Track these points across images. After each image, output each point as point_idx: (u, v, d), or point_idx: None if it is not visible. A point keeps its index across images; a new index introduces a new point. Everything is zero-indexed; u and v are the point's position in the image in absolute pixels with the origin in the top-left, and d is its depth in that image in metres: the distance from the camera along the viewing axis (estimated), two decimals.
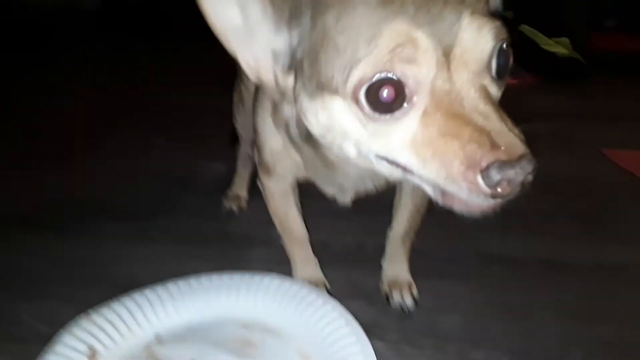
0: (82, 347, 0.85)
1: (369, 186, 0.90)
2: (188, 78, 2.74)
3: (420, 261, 1.16)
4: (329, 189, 0.95)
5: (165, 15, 4.18)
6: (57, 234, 1.28)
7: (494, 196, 0.52)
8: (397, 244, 1.10)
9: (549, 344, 0.97)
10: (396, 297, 1.06)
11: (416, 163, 0.56)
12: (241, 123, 1.33)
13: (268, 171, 0.94)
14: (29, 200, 1.44)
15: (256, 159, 0.98)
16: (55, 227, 1.30)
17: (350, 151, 0.61)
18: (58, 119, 2.08)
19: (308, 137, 0.72)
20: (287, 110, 0.75)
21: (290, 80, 0.63)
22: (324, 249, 1.24)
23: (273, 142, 0.87)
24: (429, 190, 0.59)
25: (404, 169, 0.58)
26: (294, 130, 0.77)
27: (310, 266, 1.11)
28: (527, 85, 2.89)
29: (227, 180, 1.50)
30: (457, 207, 0.57)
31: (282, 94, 0.65)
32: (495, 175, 0.50)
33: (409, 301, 1.06)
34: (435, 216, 1.35)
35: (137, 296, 0.96)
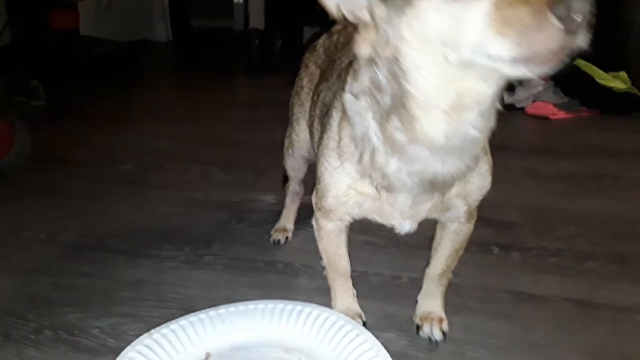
0: None
1: (437, 194, 0.92)
2: (246, 114, 2.94)
3: (453, 296, 1.22)
4: (392, 218, 0.97)
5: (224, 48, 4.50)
6: (127, 257, 1.45)
7: (568, 31, 0.58)
8: (434, 282, 1.16)
9: None
10: (426, 330, 1.13)
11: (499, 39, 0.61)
12: (290, 165, 1.47)
13: (327, 215, 1.01)
14: (103, 226, 1.64)
15: (315, 204, 1.04)
16: (125, 251, 1.48)
17: (452, 58, 0.66)
18: (130, 151, 2.31)
19: (400, 104, 0.75)
20: (381, 76, 0.76)
21: (382, 10, 0.71)
22: (361, 280, 1.34)
23: (339, 184, 0.93)
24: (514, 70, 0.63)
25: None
26: (384, 103, 0.78)
27: (349, 298, 1.19)
28: (583, 119, 2.87)
29: (278, 212, 1.63)
30: (541, 66, 0.62)
31: (377, 30, 0.72)
32: (563, 9, 0.57)
33: (437, 334, 1.12)
34: (472, 254, 1.43)
35: (192, 317, 1.09)
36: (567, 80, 2.97)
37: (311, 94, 1.25)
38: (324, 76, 1.18)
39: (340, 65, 1.08)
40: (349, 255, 1.13)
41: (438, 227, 1.10)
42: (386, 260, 1.44)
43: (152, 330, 1.04)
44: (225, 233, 1.61)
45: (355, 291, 1.21)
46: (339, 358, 1.01)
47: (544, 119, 2.85)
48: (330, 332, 1.06)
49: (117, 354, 0.97)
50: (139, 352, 0.99)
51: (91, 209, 1.75)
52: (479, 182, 0.94)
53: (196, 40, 5.15)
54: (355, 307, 1.19)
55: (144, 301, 1.25)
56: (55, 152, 2.26)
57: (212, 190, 1.90)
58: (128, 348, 1.00)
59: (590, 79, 2.98)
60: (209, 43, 5.07)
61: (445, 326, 1.14)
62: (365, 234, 1.51)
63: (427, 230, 1.13)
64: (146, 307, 1.23)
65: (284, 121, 1.43)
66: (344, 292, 1.19)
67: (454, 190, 0.90)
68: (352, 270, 1.27)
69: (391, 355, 1.05)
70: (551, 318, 1.21)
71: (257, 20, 4.44)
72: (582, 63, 3.01)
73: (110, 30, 4.01)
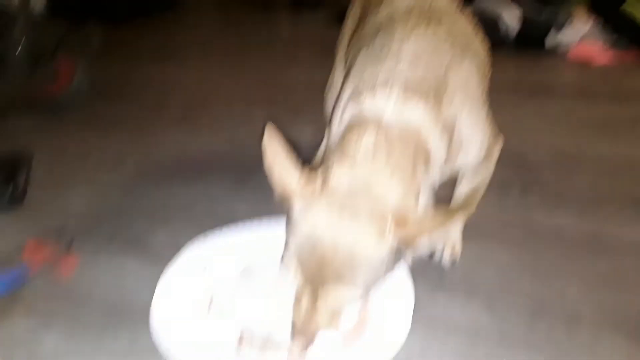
0: (198, 264, 1.18)
1: None
2: (289, 52, 3.02)
3: (469, 226, 1.36)
4: None
5: None
6: (182, 180, 1.64)
7: None
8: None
9: (567, 303, 1.14)
10: (438, 254, 1.28)
11: None
12: (328, 106, 1.58)
13: None
14: (159, 154, 1.83)
15: None
16: (179, 175, 1.67)
17: None
18: (178, 87, 2.47)
19: None
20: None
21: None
22: None
23: None
24: None
25: None
26: None
27: None
28: (627, 65, 2.82)
29: (316, 146, 1.77)
30: None
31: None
32: None
33: (448, 257, 1.27)
34: (491, 190, 1.55)
35: (236, 230, 1.28)
36: (614, 20, 2.91)
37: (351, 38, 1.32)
38: (360, 23, 1.26)
39: (372, 20, 1.17)
40: None
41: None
42: None
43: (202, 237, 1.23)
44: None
45: None
46: None
47: (587, 62, 2.82)
48: None
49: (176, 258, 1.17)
50: (190, 258, 1.19)
51: (147, 139, 1.95)
52: (463, 159, 1.06)
53: None
54: None
55: (196, 217, 1.45)
56: (113, 88, 2.45)
57: (253, 126, 2.05)
58: (181, 254, 1.19)
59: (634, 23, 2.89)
60: None
61: (458, 248, 1.29)
62: None
63: None
64: (198, 221, 1.42)
65: (327, 59, 1.52)
66: None
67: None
68: None
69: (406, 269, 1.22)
70: (560, 249, 1.33)
71: None
72: (630, 2, 2.91)
73: None
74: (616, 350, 1.02)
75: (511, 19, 2.92)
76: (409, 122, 0.91)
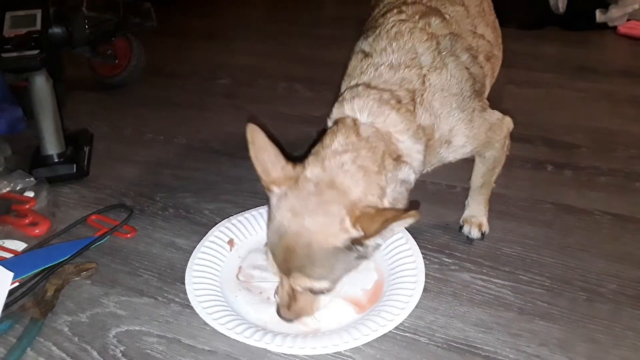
0: (224, 237, 1.30)
1: None
2: (331, 32, 3.07)
3: (499, 205, 1.42)
4: None
5: None
6: (228, 158, 1.77)
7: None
8: (475, 192, 1.35)
9: (590, 277, 1.20)
10: (466, 229, 1.34)
11: None
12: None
13: None
14: (207, 132, 1.96)
15: None
16: (226, 153, 1.79)
17: None
18: (225, 66, 2.59)
19: None
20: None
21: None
22: (420, 187, 1.54)
23: None
24: None
25: None
26: None
27: None
28: None
29: None
30: None
31: None
32: None
33: (475, 234, 1.33)
34: (525, 170, 1.59)
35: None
36: None
37: None
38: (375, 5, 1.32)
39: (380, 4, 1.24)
40: None
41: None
42: (444, 172, 1.62)
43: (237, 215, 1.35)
44: (306, 142, 1.86)
45: None
46: None
47: (637, 39, 2.74)
48: None
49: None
50: (222, 232, 1.31)
51: (197, 118, 2.08)
52: (452, 156, 1.15)
53: None
54: None
55: (242, 192, 1.56)
56: (164, 67, 2.60)
57: (296, 105, 2.15)
58: (213, 228, 1.31)
59: None
60: None
61: (484, 228, 1.35)
62: None
63: None
64: (244, 196, 1.54)
65: None
66: None
67: (434, 166, 1.16)
68: None
69: (435, 246, 1.31)
70: (588, 227, 1.37)
71: None
72: None
73: None
74: (635, 324, 1.07)
75: None
76: (381, 126, 1.00)
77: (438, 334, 1.07)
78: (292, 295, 1.02)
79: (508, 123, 1.21)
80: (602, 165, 1.64)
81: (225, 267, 1.25)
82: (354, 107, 1.02)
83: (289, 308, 1.04)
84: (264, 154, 0.97)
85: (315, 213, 0.92)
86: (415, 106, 1.03)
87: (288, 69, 2.54)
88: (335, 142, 0.98)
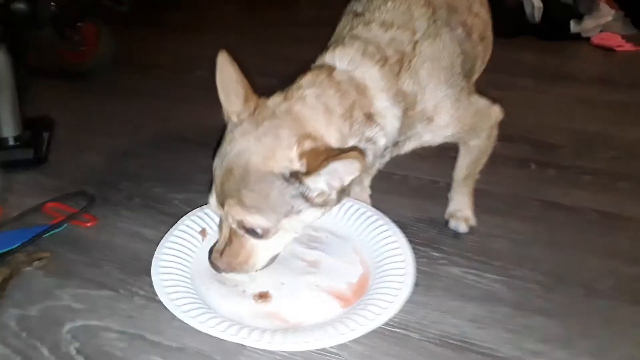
0: (196, 227, 1.18)
1: None
2: (309, 32, 3.01)
3: (484, 200, 1.35)
4: None
5: None
6: (204, 148, 1.64)
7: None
8: (459, 185, 1.28)
9: (584, 274, 1.14)
10: (452, 224, 1.28)
11: None
12: None
13: None
14: (181, 122, 1.85)
15: None
16: (200, 143, 1.68)
17: None
18: (202, 59, 2.47)
19: None
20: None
21: None
22: (403, 182, 1.49)
23: None
24: None
25: None
26: None
27: (363, 194, 1.35)
28: None
29: None
30: None
31: None
32: None
33: (462, 227, 1.27)
34: (508, 168, 1.54)
35: None
36: (637, 11, 2.86)
37: None
38: None
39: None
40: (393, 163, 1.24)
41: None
42: (427, 166, 1.56)
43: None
44: None
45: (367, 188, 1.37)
46: (360, 236, 1.18)
47: (609, 50, 2.78)
48: (352, 216, 1.22)
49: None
50: (193, 222, 1.20)
51: (170, 108, 1.97)
52: (431, 136, 1.06)
53: None
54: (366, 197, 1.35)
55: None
56: (136, 58, 2.48)
57: None
58: (184, 217, 1.20)
59: None
60: None
61: (472, 222, 1.28)
62: None
63: None
64: None
65: None
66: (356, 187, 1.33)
67: (410, 145, 1.07)
68: (395, 174, 1.48)
69: (421, 240, 1.23)
70: (576, 224, 1.32)
71: None
72: None
73: None
74: (637, 320, 1.02)
75: (536, 2, 2.88)
76: (359, 78, 0.93)
77: (431, 329, 0.99)
78: (229, 239, 0.96)
79: (496, 112, 1.15)
80: (584, 164, 1.61)
81: (196, 258, 1.14)
82: (335, 56, 0.96)
83: (222, 254, 0.97)
84: (230, 84, 0.93)
85: (264, 135, 0.87)
86: (401, 69, 0.95)
87: (265, 65, 2.45)
88: (302, 80, 0.93)
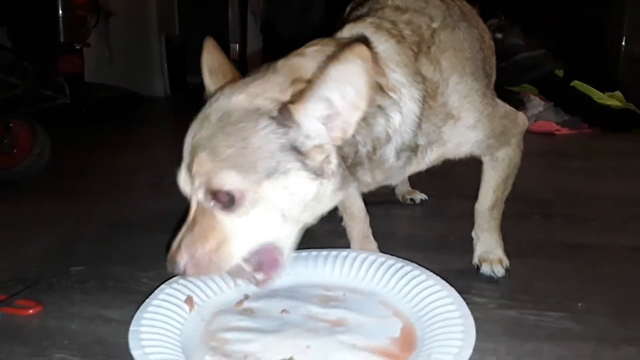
0: (180, 295, 0.92)
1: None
2: None
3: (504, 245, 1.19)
4: None
5: None
6: (159, 231, 1.39)
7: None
8: (484, 220, 1.11)
9: None
10: (485, 268, 1.09)
11: None
12: None
13: None
14: (131, 212, 1.61)
15: None
16: (156, 228, 1.42)
17: None
18: (150, 167, 2.29)
19: None
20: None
21: None
22: (410, 241, 1.32)
23: None
24: None
25: None
26: None
27: (369, 246, 1.17)
28: (587, 135, 2.98)
29: None
30: None
31: None
32: None
33: (498, 270, 1.08)
34: (511, 220, 1.41)
35: None
36: (566, 100, 3.10)
37: None
38: None
39: None
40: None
41: (483, 160, 1.05)
42: (430, 224, 1.44)
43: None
44: None
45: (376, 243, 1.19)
46: (385, 287, 0.98)
47: (550, 134, 2.93)
48: (370, 268, 1.02)
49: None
50: (176, 290, 0.94)
51: (116, 200, 1.74)
52: (456, 142, 0.92)
53: (193, 95, 5.20)
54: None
55: None
56: (75, 165, 2.27)
57: None
58: (163, 286, 0.94)
59: (588, 98, 3.10)
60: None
61: (506, 263, 1.10)
62: None
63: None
64: None
65: None
66: (362, 239, 1.17)
67: (433, 154, 0.91)
68: (397, 232, 1.37)
69: (456, 289, 1.01)
70: (611, 259, 1.21)
71: None
72: (579, 84, 3.14)
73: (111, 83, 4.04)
74: None
75: None
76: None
77: None
78: (193, 219, 0.75)
79: (523, 118, 1.03)
80: (583, 212, 1.54)
81: (184, 332, 0.85)
82: (343, 32, 0.85)
83: (182, 242, 0.74)
84: (219, 65, 0.85)
85: (252, 81, 0.74)
86: (420, 52, 0.83)
87: None
88: (309, 48, 0.79)
